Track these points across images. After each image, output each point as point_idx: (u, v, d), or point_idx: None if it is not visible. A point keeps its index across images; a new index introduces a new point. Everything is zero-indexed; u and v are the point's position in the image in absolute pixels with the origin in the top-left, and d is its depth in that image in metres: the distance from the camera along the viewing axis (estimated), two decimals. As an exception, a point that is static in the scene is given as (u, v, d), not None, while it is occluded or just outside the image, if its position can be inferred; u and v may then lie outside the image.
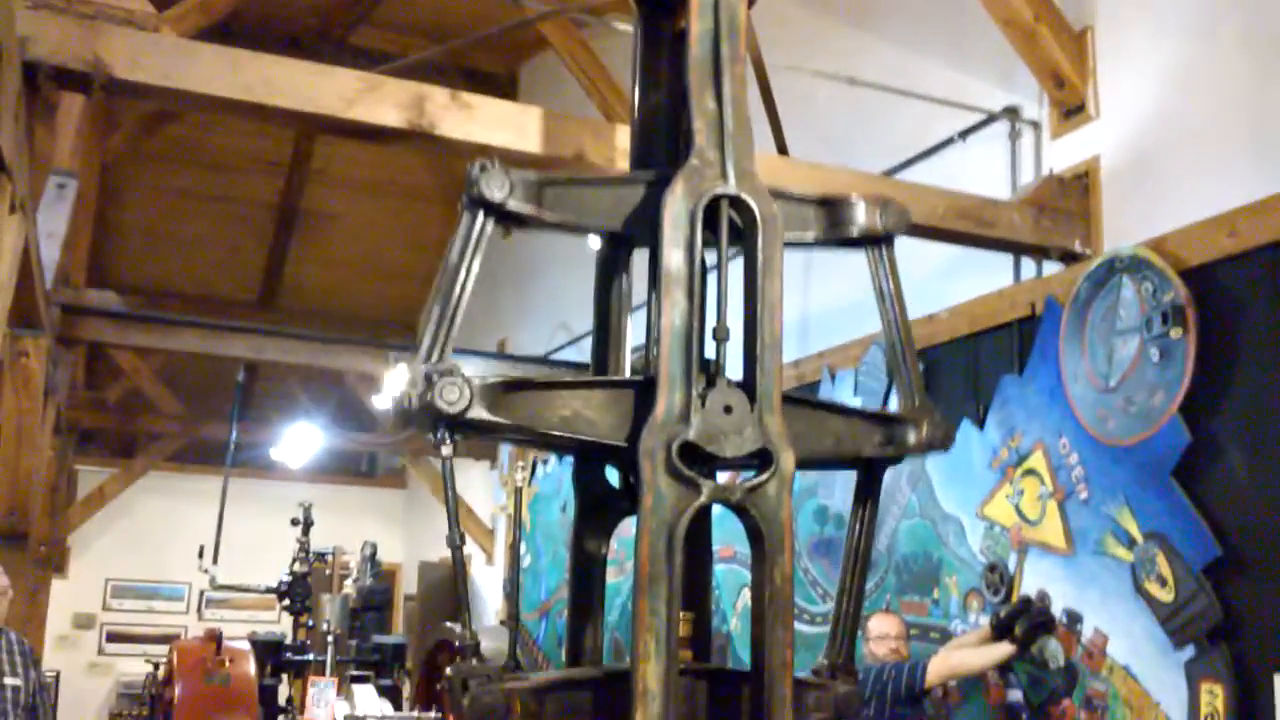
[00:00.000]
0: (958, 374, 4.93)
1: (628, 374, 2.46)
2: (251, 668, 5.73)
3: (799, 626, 5.84)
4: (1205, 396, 3.73)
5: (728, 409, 2.17)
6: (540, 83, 10.59)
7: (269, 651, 7.65)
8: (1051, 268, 4.58)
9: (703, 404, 2.14)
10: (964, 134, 5.09)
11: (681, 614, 2.14)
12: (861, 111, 5.74)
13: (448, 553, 7.82)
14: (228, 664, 5.55)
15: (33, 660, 4.88)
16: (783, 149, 4.05)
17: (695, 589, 2.36)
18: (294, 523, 7.85)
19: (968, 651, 4.34)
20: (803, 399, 2.38)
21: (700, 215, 2.17)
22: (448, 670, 2.02)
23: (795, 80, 4.95)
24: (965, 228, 4.24)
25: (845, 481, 5.41)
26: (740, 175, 2.23)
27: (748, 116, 2.28)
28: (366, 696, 5.83)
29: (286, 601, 7.58)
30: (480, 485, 10.62)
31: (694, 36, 2.29)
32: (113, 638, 11.87)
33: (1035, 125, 4.78)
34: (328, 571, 8.75)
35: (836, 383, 5.69)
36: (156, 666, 6.17)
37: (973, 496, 4.71)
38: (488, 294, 10.86)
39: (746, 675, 2.14)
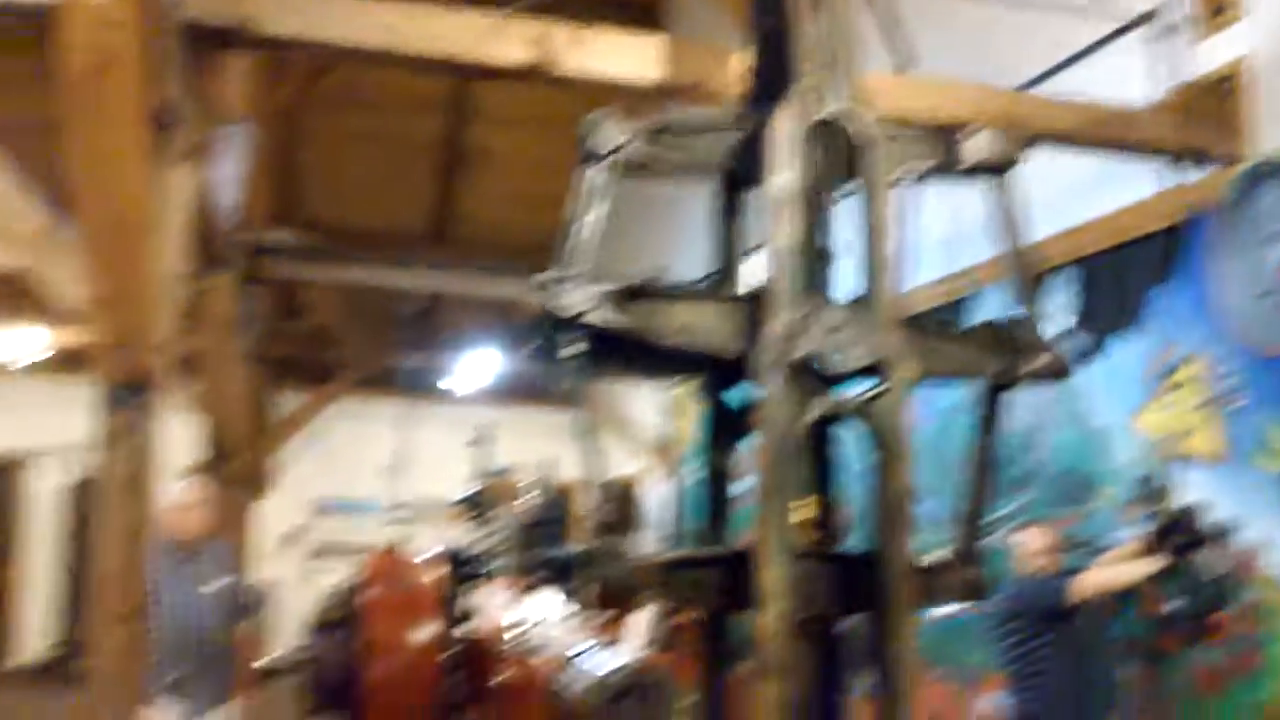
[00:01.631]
0: (1107, 286, 4.84)
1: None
2: (435, 575, 6.17)
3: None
4: (1366, 301, 3.61)
5: (842, 324, 2.27)
6: (682, 8, 10.60)
7: (452, 562, 8.19)
8: (1197, 175, 4.43)
9: (817, 320, 2.25)
10: (1103, 41, 4.91)
11: (807, 498, 2.28)
12: (1000, 24, 5.59)
13: (621, 471, 8.21)
14: (414, 573, 5.98)
15: (238, 566, 5.39)
16: (909, 67, 4.02)
17: (822, 484, 2.46)
18: (473, 443, 8.34)
19: (1120, 565, 4.33)
20: (922, 322, 2.42)
21: (809, 138, 2.26)
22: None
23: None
24: (1104, 138, 4.14)
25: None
26: (848, 97, 2.30)
27: (855, 39, 2.31)
28: (542, 602, 6.21)
29: (468, 515, 8.10)
30: (647, 404, 10.91)
31: (800, -40, 2.33)
32: (318, 551, 12.77)
33: (1177, 29, 4.58)
34: (507, 488, 9.28)
35: (985, 298, 5.65)
36: (352, 576, 6.70)
37: (1126, 408, 4.66)
38: (638, 225, 11.02)
39: (870, 558, 2.21)
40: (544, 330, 2.16)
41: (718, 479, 2.61)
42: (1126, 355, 4.66)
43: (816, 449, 2.39)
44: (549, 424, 13.11)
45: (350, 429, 12.50)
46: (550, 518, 8.56)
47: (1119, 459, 4.68)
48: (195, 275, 6.06)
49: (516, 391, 13.28)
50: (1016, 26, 5.50)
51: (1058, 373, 2.43)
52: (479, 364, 11.06)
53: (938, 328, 2.45)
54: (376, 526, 12.96)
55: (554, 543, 8.40)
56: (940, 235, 5.83)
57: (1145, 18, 4.74)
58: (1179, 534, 4.14)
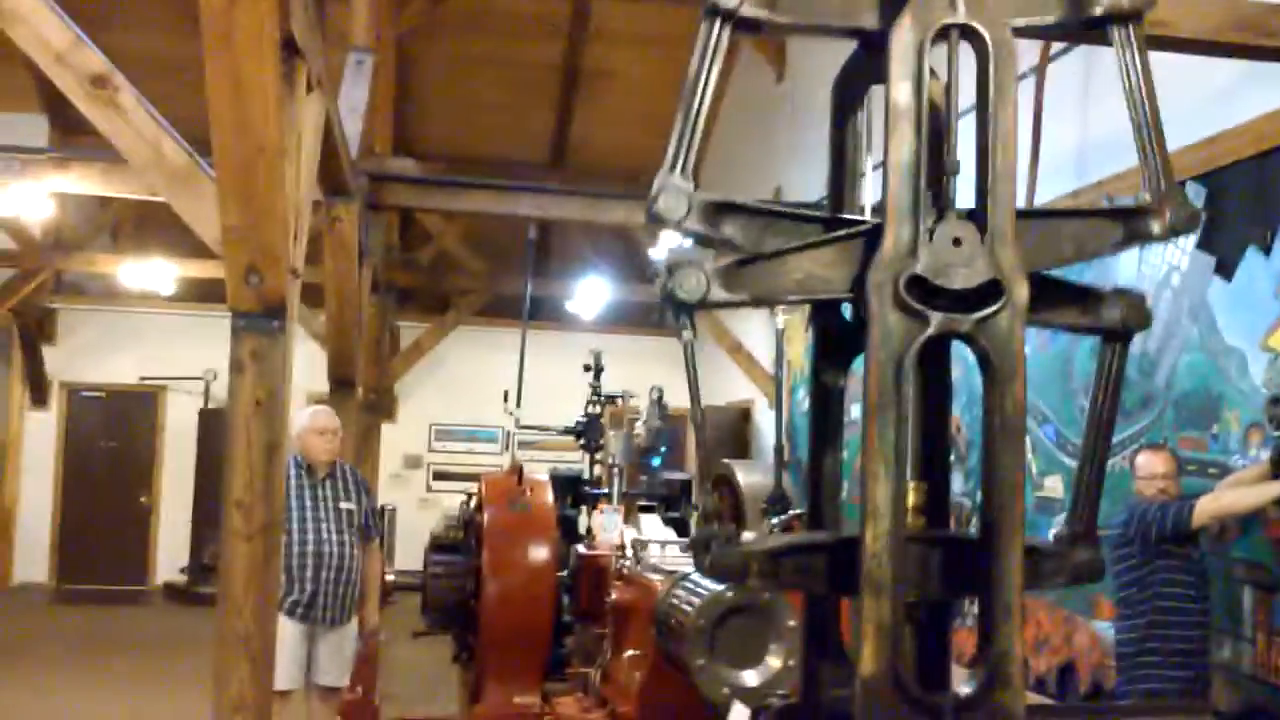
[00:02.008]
0: (1243, 198, 4.64)
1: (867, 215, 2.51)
2: (550, 497, 6.29)
3: (1073, 464, 5.80)
4: None
5: (957, 241, 2.21)
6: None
7: (567, 485, 8.36)
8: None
9: (930, 237, 2.20)
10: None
11: (914, 484, 2.25)
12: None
13: (734, 397, 8.28)
14: (529, 493, 6.11)
15: (365, 489, 5.60)
16: None
17: (933, 459, 2.42)
18: (586, 369, 8.44)
19: (1242, 490, 4.21)
20: (1038, 211, 2.35)
21: (928, 46, 2.19)
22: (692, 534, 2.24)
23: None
24: (1246, 39, 3.95)
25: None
26: (970, 2, 2.23)
27: None
28: (652, 524, 6.30)
29: (582, 441, 8.23)
30: (761, 332, 10.88)
31: None
32: (438, 475, 13.15)
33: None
34: (619, 414, 9.39)
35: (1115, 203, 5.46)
36: (470, 497, 6.89)
37: (1258, 327, 4.49)
38: (763, 141, 10.92)
39: (980, 542, 2.14)
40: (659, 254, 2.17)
41: (828, 403, 2.60)
42: (1260, 271, 4.48)
43: (929, 373, 2.36)
44: (663, 351, 13.25)
45: (470, 356, 12.78)
46: (661, 444, 8.65)
47: (1248, 380, 4.52)
48: (322, 203, 6.25)
49: (632, 317, 13.41)
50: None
51: (1191, 223, 2.29)
52: (595, 291, 11.15)
53: (1053, 211, 2.35)
54: (495, 452, 13.34)
55: (668, 467, 8.49)
56: (1070, 145, 5.66)
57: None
58: None
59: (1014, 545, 2.15)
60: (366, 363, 10.87)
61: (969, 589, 2.17)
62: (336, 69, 6.76)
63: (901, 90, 2.19)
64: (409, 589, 6.28)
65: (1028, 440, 6.09)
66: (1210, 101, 4.83)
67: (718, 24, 2.16)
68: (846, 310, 2.61)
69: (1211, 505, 4.16)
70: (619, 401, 9.18)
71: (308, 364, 6.74)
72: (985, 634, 2.10)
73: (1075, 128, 5.84)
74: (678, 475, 8.01)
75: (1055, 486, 5.90)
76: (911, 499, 2.25)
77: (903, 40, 2.19)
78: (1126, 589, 4.43)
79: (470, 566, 6.01)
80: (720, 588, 4.75)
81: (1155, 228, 2.27)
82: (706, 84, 2.15)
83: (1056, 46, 5.34)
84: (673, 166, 2.15)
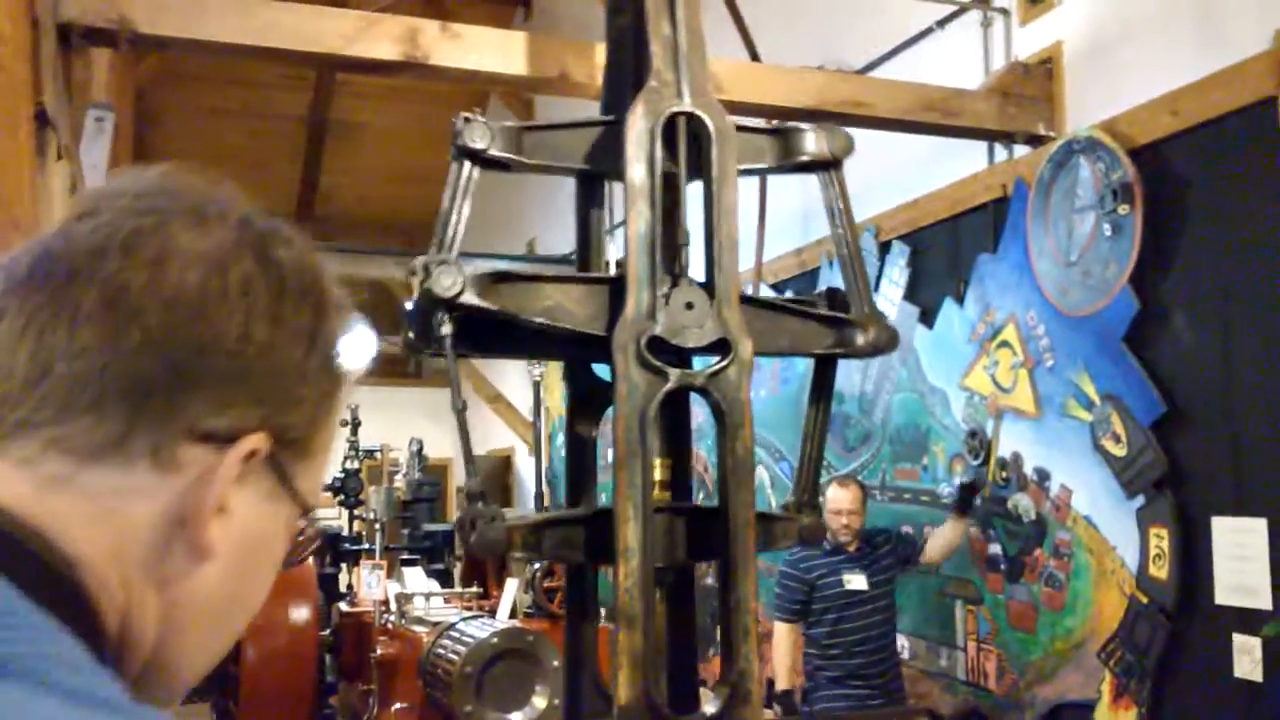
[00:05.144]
0: (941, 255, 5.24)
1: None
2: (310, 557, 6.27)
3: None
4: (1152, 268, 4.03)
5: (690, 305, 2.50)
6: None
7: (328, 543, 8.27)
8: (1023, 151, 4.84)
9: (667, 301, 2.48)
10: (941, 23, 5.28)
11: (659, 460, 2.53)
12: (842, 9, 5.95)
13: (494, 445, 8.37)
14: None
15: None
16: (755, 55, 4.30)
17: (678, 446, 2.70)
18: (343, 423, 8.41)
19: (943, 531, 4.87)
20: (763, 301, 2.65)
21: (659, 132, 2.47)
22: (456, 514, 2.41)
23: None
24: (933, 119, 4.50)
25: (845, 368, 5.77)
26: (695, 93, 2.50)
27: (702, 38, 2.51)
28: (416, 577, 6.37)
29: (340, 497, 8.18)
30: (520, 381, 11.10)
31: (648, -37, 2.54)
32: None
33: (1005, 13, 4.97)
34: (378, 467, 9.38)
35: (834, 267, 6.00)
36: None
37: (955, 369, 5.06)
38: (517, 193, 11.18)
39: (717, 511, 2.42)
40: (418, 313, 2.34)
41: (583, 451, 2.84)
42: (956, 319, 5.06)
43: (673, 416, 2.64)
44: (422, 402, 13.27)
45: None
46: (423, 495, 8.70)
47: (950, 416, 5.09)
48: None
49: (388, 368, 13.33)
50: (859, 11, 5.86)
51: (889, 345, 2.70)
52: (361, 342, 11.06)
53: (777, 305, 2.69)
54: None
55: (430, 519, 8.55)
56: (795, 207, 6.17)
57: (977, 2, 5.10)
58: (967, 495, 4.73)
59: (748, 574, 2.45)
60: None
61: (709, 555, 2.47)
62: (77, 126, 6.57)
63: (636, 171, 2.48)
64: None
65: (768, 475, 6.57)
66: (915, 168, 5.43)
67: (467, 164, 2.40)
68: (598, 369, 2.88)
69: (932, 547, 4.88)
70: (378, 455, 9.19)
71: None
72: (727, 656, 2.38)
73: (798, 191, 6.37)
74: (440, 527, 8.08)
75: (793, 519, 6.36)
76: (658, 475, 2.54)
77: (636, 126, 2.48)
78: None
79: (228, 631, 5.91)
80: (486, 634, 4.91)
81: (860, 340, 2.64)
82: (459, 218, 2.38)
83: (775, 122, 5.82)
84: (439, 249, 2.34)
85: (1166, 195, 4.01)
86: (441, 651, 5.00)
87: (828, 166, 2.68)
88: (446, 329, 2.30)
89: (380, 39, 3.72)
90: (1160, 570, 3.98)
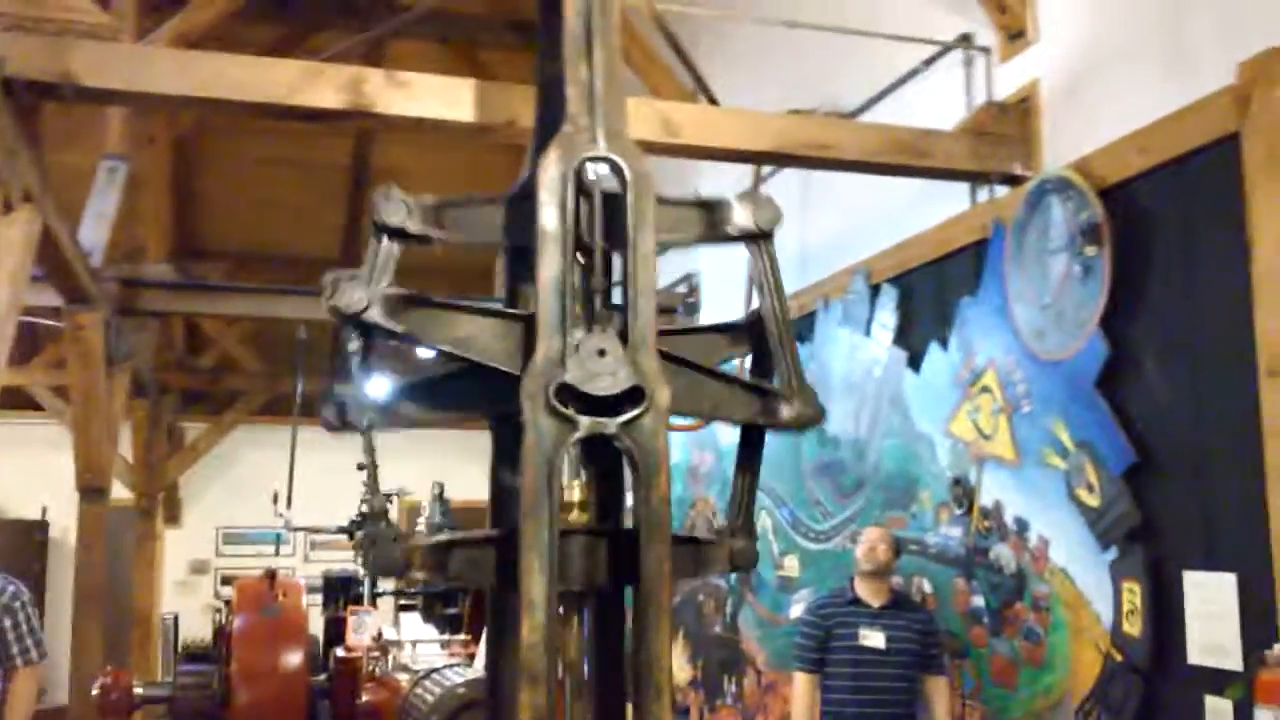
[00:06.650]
0: (927, 297, 5.11)
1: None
2: (303, 601, 6.27)
3: (806, 544, 6.14)
4: (1123, 310, 3.88)
5: (602, 352, 2.43)
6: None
7: (340, 587, 8.29)
8: (1003, 191, 4.71)
9: (578, 349, 2.42)
10: (928, 62, 5.19)
11: (575, 482, 2.45)
12: (823, 53, 5.88)
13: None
14: (280, 598, 6.08)
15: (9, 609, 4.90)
16: (712, 99, 4.26)
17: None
18: (360, 467, 8.43)
19: (933, 703, 4.69)
20: (685, 361, 2.50)
21: (572, 177, 2.40)
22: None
23: (753, 29, 5.11)
24: (904, 160, 4.40)
25: (841, 403, 5.65)
26: (611, 137, 2.42)
27: (620, 82, 2.44)
28: (412, 622, 6.34)
29: (355, 540, 8.19)
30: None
31: (569, 7, 2.46)
32: (225, 580, 12.72)
33: (986, 52, 4.87)
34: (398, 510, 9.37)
35: (830, 312, 5.90)
36: (227, 602, 6.78)
37: (940, 415, 4.92)
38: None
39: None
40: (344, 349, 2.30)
41: (508, 502, 2.77)
42: (941, 364, 4.92)
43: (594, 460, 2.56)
44: (442, 443, 13.29)
45: (255, 457, 12.50)
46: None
47: (936, 463, 4.93)
48: (59, 312, 6.15)
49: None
50: (847, 54, 5.79)
51: (815, 419, 2.57)
52: (378, 388, 11.14)
53: (699, 368, 2.56)
54: (287, 554, 13.01)
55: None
56: (792, 253, 6.09)
57: (959, 41, 5.02)
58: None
59: (660, 630, 2.34)
60: (137, 466, 10.57)
61: (627, 581, 2.32)
62: (87, 177, 6.73)
63: (548, 216, 2.41)
64: (159, 701, 6.12)
65: (769, 521, 6.43)
66: (904, 209, 5.32)
67: (385, 239, 2.36)
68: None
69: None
70: (396, 498, 9.19)
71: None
72: (639, 714, 2.29)
73: (795, 235, 6.29)
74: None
75: (793, 566, 6.22)
76: (577, 495, 2.45)
77: (549, 171, 2.42)
78: None
79: (220, 675, 5.92)
80: (455, 682, 4.84)
81: (785, 413, 2.52)
82: (378, 287, 2.34)
83: (767, 169, 5.74)
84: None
85: (1135, 235, 3.86)
86: (414, 700, 4.95)
87: (757, 239, 2.58)
88: (354, 346, 2.25)
89: (323, 88, 3.74)
90: (1133, 627, 3.79)
